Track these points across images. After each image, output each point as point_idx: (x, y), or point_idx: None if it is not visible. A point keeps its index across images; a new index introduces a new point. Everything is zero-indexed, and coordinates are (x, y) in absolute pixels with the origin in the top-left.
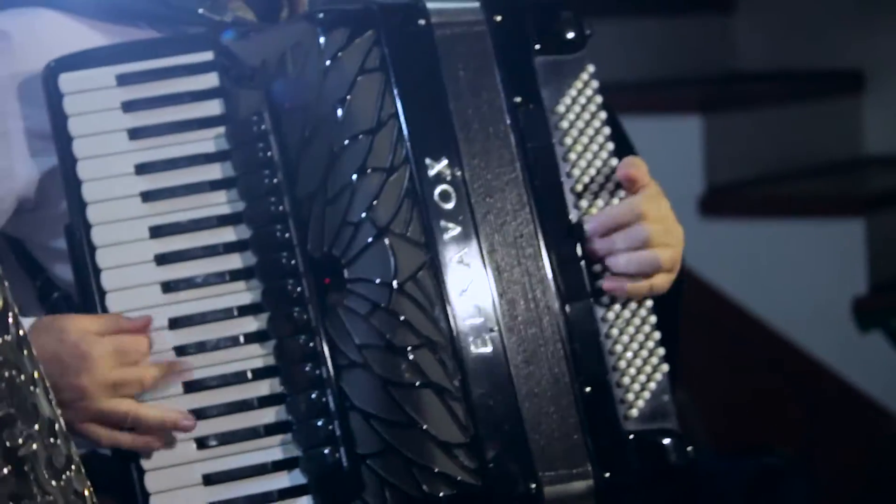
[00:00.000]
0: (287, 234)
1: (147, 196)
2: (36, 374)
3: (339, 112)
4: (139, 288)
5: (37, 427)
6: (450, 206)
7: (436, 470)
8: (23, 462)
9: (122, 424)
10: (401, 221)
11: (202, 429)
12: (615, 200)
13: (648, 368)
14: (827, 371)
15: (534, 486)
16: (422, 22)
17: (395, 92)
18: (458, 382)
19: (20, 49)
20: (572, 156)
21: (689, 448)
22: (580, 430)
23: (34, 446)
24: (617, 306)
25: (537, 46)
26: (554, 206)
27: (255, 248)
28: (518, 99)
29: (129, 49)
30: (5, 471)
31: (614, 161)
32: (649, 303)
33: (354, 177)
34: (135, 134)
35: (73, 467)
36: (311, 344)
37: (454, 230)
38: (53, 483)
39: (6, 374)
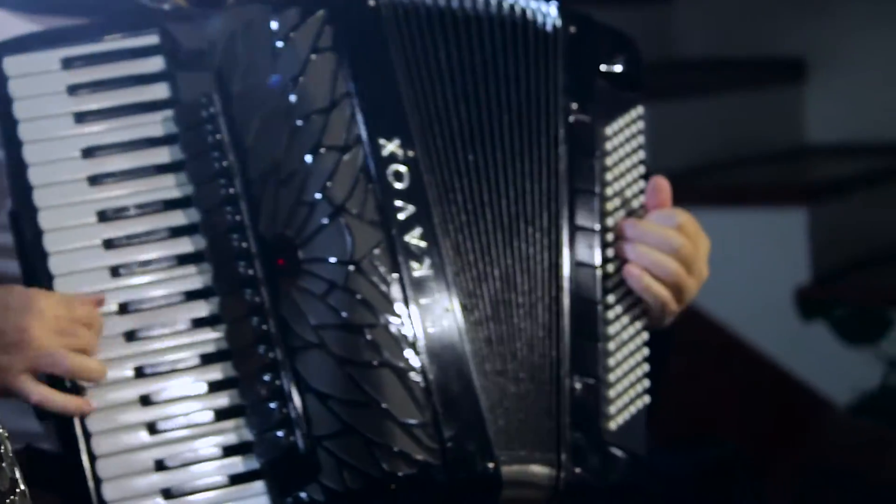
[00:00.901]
0: (238, 217)
1: (94, 180)
2: None
3: (292, 92)
4: (87, 273)
5: None
6: (402, 185)
7: (395, 449)
8: None
9: (57, 373)
10: (356, 201)
11: (154, 414)
12: None
13: (633, 392)
14: (770, 360)
15: (491, 465)
16: (371, 2)
17: (348, 71)
18: (415, 361)
19: None
20: (608, 176)
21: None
22: (558, 419)
23: None
24: (618, 324)
25: (603, 68)
26: (581, 208)
27: (204, 231)
28: (575, 105)
29: (75, 32)
30: None
31: (643, 198)
32: (645, 335)
33: (308, 156)
34: (81, 118)
35: (17, 490)
36: (265, 326)
37: (408, 209)
38: None
39: None
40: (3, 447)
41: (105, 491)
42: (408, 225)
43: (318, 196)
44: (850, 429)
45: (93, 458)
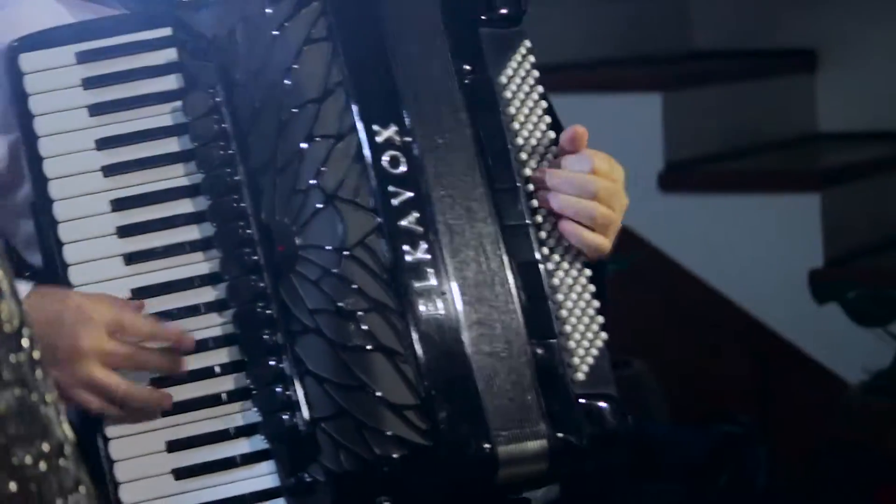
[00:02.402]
0: (242, 204)
1: (108, 170)
2: (48, 397)
3: (287, 81)
4: (102, 260)
5: (46, 447)
6: (399, 171)
7: (387, 432)
8: (29, 481)
9: (109, 396)
10: (349, 187)
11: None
12: None
13: (590, 334)
14: (784, 343)
15: (487, 446)
16: None
17: (342, 60)
18: (408, 345)
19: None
20: (515, 125)
21: (629, 416)
22: (533, 390)
23: (42, 466)
24: (561, 272)
25: (483, 17)
26: (502, 170)
27: (212, 219)
28: (467, 67)
29: (89, 27)
30: (12, 488)
31: (552, 134)
32: (588, 272)
33: (303, 145)
34: (94, 110)
35: (81, 489)
36: (269, 311)
37: (404, 195)
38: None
39: (17, 392)
40: (68, 447)
41: (117, 472)
42: (403, 210)
43: (311, 183)
44: (862, 407)
45: (105, 440)
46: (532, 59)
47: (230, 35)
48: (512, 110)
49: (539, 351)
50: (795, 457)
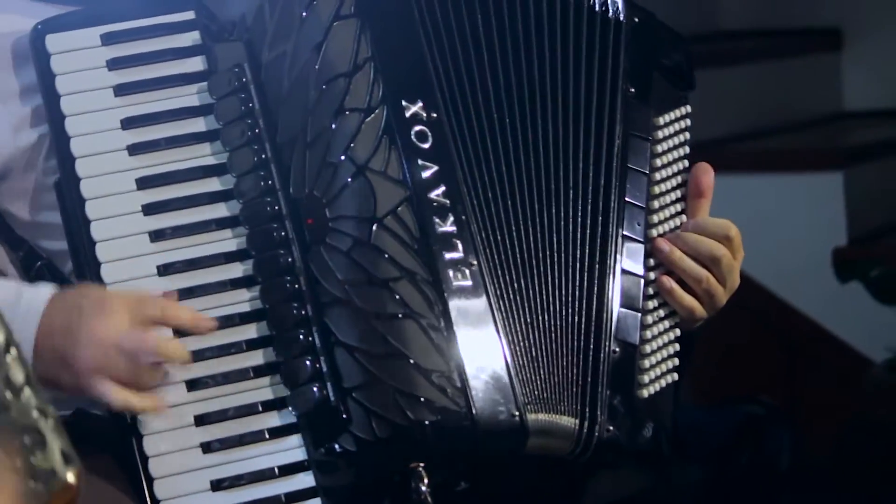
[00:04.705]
0: (270, 181)
1: (133, 149)
2: None
3: (317, 58)
4: (128, 238)
5: None
6: (426, 145)
7: (420, 397)
8: None
9: (146, 354)
10: (379, 159)
11: (194, 371)
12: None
13: (664, 367)
14: (808, 321)
15: (516, 413)
16: None
17: (370, 36)
18: (438, 312)
19: None
20: (657, 162)
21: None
22: (599, 380)
23: None
24: (657, 300)
25: (664, 62)
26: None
27: (239, 196)
28: (633, 90)
29: (114, 10)
30: None
31: (683, 191)
32: (677, 318)
33: (333, 119)
34: (120, 90)
35: (31, 384)
36: (297, 285)
37: (431, 168)
38: (10, 396)
39: None
40: (13, 348)
41: (147, 446)
42: (432, 183)
43: (342, 157)
44: (887, 385)
45: (135, 417)
46: (688, 122)
47: (258, 13)
48: (659, 149)
49: (616, 349)
50: (821, 436)
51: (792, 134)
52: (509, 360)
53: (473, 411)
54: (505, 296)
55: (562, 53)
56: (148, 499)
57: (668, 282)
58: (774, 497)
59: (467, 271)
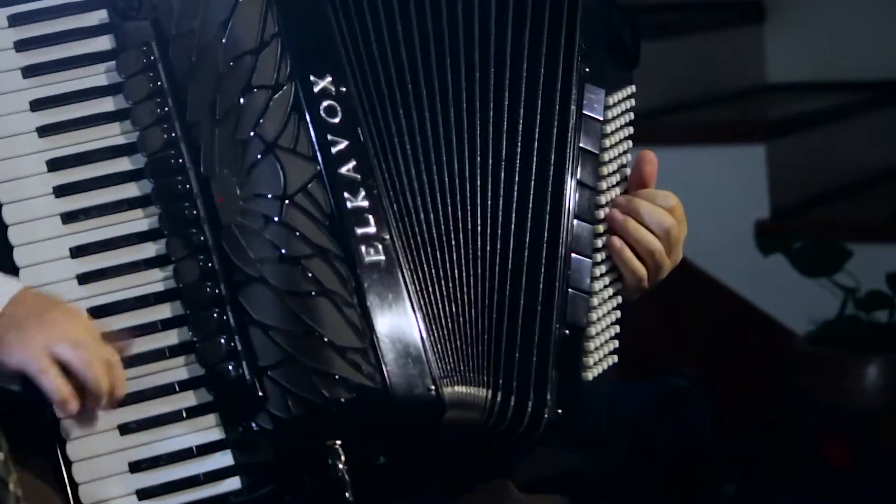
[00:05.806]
0: (180, 160)
1: (43, 131)
2: None
3: (223, 35)
4: (40, 220)
5: None
6: (335, 119)
7: (335, 376)
8: None
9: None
10: (288, 136)
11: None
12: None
13: (606, 349)
14: (731, 293)
15: (433, 387)
16: None
17: (276, 12)
18: (352, 289)
19: None
20: (606, 142)
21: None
22: (546, 361)
23: None
24: (601, 282)
25: (613, 40)
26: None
27: (149, 175)
28: (587, 69)
29: None
30: None
31: (628, 170)
32: (619, 299)
33: (241, 96)
34: (28, 71)
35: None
36: (210, 263)
37: (341, 143)
38: None
39: None
40: None
41: (64, 430)
42: (342, 158)
43: (251, 134)
44: (809, 357)
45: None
46: (633, 103)
47: None
48: (608, 129)
49: (565, 331)
50: (742, 408)
51: (714, 107)
52: (424, 334)
53: (388, 387)
54: (420, 269)
55: (514, 29)
56: (66, 482)
57: (619, 241)
58: (697, 467)
59: (380, 246)
